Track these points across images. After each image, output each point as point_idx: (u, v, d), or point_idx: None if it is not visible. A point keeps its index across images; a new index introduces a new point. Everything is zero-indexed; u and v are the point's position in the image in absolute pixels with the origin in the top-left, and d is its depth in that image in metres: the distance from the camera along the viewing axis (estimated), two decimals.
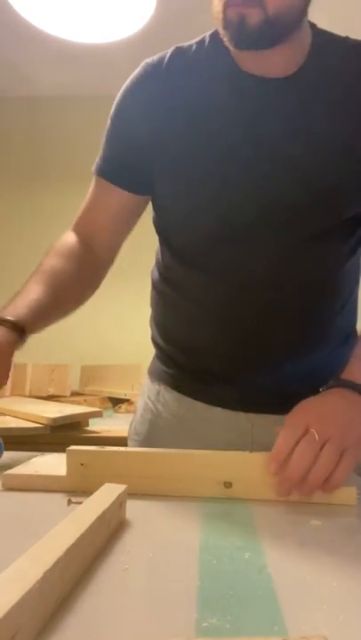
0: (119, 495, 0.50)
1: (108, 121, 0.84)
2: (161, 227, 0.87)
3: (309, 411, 0.63)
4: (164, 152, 0.78)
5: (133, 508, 0.54)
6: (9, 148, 2.92)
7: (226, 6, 0.66)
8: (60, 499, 0.58)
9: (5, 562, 0.33)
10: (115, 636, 0.32)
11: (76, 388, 2.28)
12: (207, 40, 0.79)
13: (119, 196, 0.85)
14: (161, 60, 0.80)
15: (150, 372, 0.98)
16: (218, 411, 0.86)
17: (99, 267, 0.90)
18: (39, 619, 0.31)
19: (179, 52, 0.80)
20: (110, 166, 0.85)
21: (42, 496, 0.60)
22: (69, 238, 0.89)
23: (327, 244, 0.79)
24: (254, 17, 0.65)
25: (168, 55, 0.80)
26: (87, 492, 0.51)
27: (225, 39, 0.70)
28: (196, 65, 0.78)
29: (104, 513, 0.45)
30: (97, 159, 0.86)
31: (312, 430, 0.59)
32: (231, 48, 0.71)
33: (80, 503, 0.48)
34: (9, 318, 0.73)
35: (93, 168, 0.87)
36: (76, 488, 0.61)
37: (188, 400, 0.89)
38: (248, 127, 0.74)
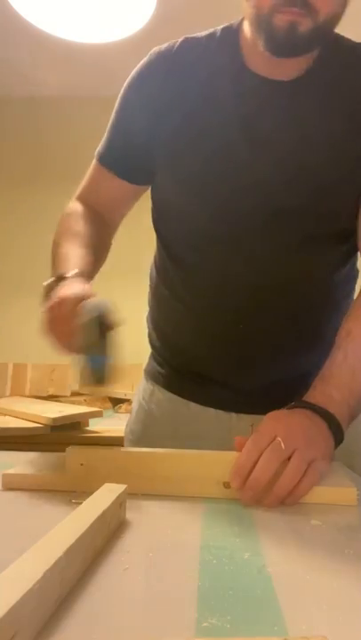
0: (119, 495, 0.50)
1: (115, 108, 0.85)
2: (156, 219, 0.88)
3: (279, 419, 0.63)
4: (163, 145, 0.79)
5: (133, 508, 0.54)
6: (8, 147, 2.92)
7: (274, 11, 0.64)
8: (60, 499, 0.58)
9: (5, 562, 0.33)
10: (114, 636, 0.32)
11: (76, 388, 2.28)
12: (218, 33, 0.78)
13: (118, 183, 0.87)
14: (169, 50, 0.79)
15: (146, 371, 0.98)
16: (211, 411, 0.86)
17: (108, 233, 0.93)
18: (39, 619, 0.31)
19: (188, 43, 0.79)
20: (111, 154, 0.86)
21: (42, 496, 0.60)
22: (79, 206, 0.90)
23: (315, 251, 0.79)
24: (305, 25, 0.64)
25: (177, 45, 0.79)
26: (87, 492, 0.51)
27: (259, 42, 0.68)
28: (202, 58, 0.77)
29: (104, 513, 0.45)
30: (100, 144, 0.88)
31: (278, 439, 0.59)
32: (267, 51, 0.69)
33: (80, 503, 0.48)
34: (76, 271, 0.73)
35: (95, 152, 0.88)
36: (76, 488, 0.61)
37: (182, 400, 0.89)
38: (246, 126, 0.74)
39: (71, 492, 0.60)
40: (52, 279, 0.72)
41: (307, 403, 0.67)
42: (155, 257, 0.93)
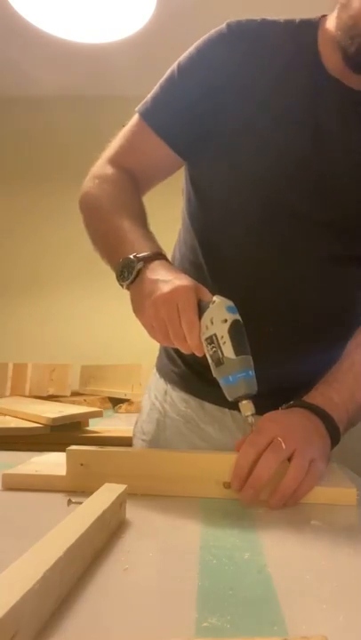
0: (119, 495, 0.50)
1: (175, 67, 0.79)
2: (194, 205, 0.83)
3: (277, 420, 0.63)
4: (227, 126, 0.75)
5: (133, 508, 0.54)
6: (8, 147, 2.93)
7: None
8: (60, 499, 0.58)
9: (5, 562, 0.33)
10: (115, 636, 0.32)
11: (76, 387, 2.28)
12: (296, 23, 0.76)
13: (160, 148, 0.79)
14: (250, 28, 0.75)
15: (158, 368, 0.96)
16: (226, 412, 0.85)
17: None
18: (39, 619, 0.31)
19: (268, 26, 0.76)
20: (161, 116, 0.79)
21: (42, 496, 0.60)
22: (116, 171, 0.82)
23: (355, 264, 0.78)
24: None
25: (257, 25, 0.76)
26: (87, 492, 0.51)
27: (342, 51, 0.68)
28: (280, 46, 0.74)
29: (104, 513, 0.45)
30: (146, 101, 0.80)
31: (279, 439, 0.58)
32: (347, 64, 0.68)
33: (80, 503, 0.48)
34: (160, 252, 0.69)
35: (139, 109, 0.81)
36: (76, 488, 0.61)
37: (196, 400, 0.87)
38: (315, 125, 0.72)
39: (71, 492, 0.60)
40: (133, 257, 0.67)
41: (305, 402, 0.67)
42: (176, 248, 0.90)
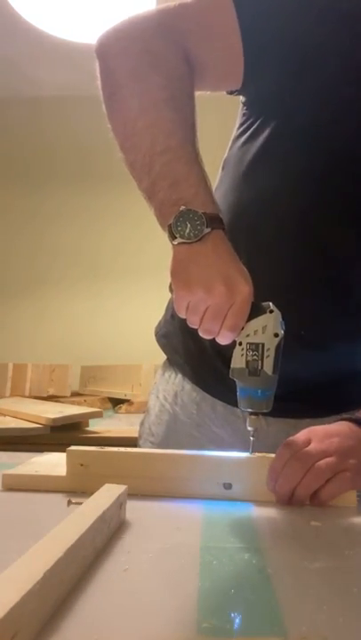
0: (119, 495, 0.50)
1: None
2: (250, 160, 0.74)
3: (316, 431, 0.63)
4: (318, 57, 0.66)
5: (133, 509, 0.54)
6: (8, 147, 2.93)
7: None
8: (60, 499, 0.58)
9: (5, 562, 0.33)
10: (115, 636, 0.32)
11: (76, 388, 2.28)
12: None
13: (232, 49, 0.66)
14: None
15: (169, 363, 0.92)
16: (238, 413, 0.82)
17: None
18: (39, 619, 0.31)
19: None
20: (253, 23, 0.65)
21: (42, 496, 0.60)
22: (174, 51, 0.67)
23: None
24: None
25: None
26: (87, 493, 0.51)
27: None
28: None
29: (104, 513, 0.45)
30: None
31: (310, 447, 0.59)
32: None
33: (80, 503, 0.48)
34: (219, 215, 0.60)
35: None
36: (76, 488, 0.61)
37: (208, 403, 0.85)
38: None
39: (71, 493, 0.60)
40: (202, 215, 0.58)
41: (351, 417, 0.66)
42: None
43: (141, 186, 0.64)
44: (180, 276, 0.60)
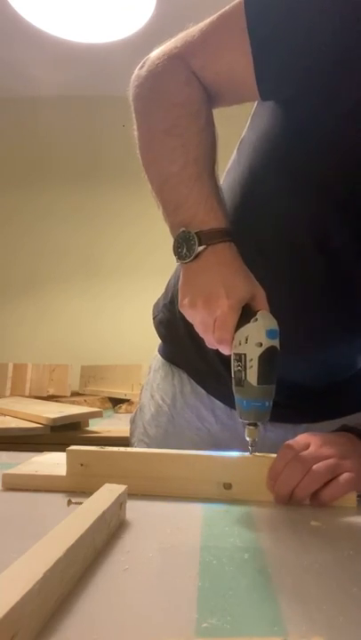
0: (119, 495, 0.50)
1: None
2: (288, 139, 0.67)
3: (316, 435, 0.63)
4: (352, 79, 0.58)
5: (133, 509, 0.54)
6: (8, 148, 2.92)
7: None
8: (60, 499, 0.58)
9: (5, 562, 0.33)
10: (115, 636, 0.32)
11: (76, 388, 2.28)
12: None
13: (245, 68, 0.62)
14: None
15: (167, 360, 0.90)
16: (236, 417, 0.83)
17: None
18: (39, 619, 0.31)
19: None
20: (268, 42, 0.61)
21: (42, 496, 0.60)
22: (190, 88, 0.66)
23: None
24: None
25: None
26: (87, 492, 0.51)
27: None
28: None
29: (104, 513, 0.45)
30: (254, 8, 0.62)
31: (311, 449, 0.59)
32: None
33: (80, 503, 0.48)
34: (225, 228, 0.61)
35: (243, 7, 0.62)
36: (76, 488, 0.61)
37: (207, 407, 0.85)
38: None
39: (71, 493, 0.60)
40: (195, 234, 0.60)
41: (350, 426, 0.66)
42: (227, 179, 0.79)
43: (162, 215, 0.67)
44: (180, 294, 0.64)
